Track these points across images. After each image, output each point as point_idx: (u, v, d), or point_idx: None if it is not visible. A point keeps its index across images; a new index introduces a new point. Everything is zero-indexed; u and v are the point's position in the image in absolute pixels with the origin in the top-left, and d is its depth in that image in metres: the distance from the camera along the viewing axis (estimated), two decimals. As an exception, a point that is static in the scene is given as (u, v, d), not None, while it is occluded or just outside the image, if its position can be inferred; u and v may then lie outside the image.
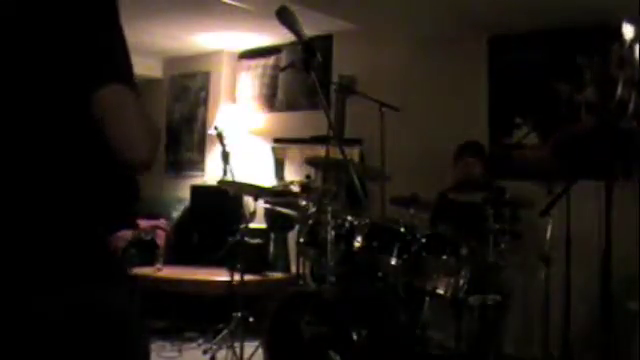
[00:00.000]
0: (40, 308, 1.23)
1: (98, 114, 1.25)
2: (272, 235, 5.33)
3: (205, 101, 6.49)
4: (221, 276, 4.63)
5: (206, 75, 6.48)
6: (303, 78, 5.62)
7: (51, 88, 1.27)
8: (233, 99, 6.35)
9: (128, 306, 1.36)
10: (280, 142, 5.85)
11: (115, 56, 1.30)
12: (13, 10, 1.28)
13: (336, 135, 4.22)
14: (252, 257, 4.75)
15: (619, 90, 3.18)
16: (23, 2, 1.28)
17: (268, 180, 5.67)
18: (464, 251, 3.55)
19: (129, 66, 1.31)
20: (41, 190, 1.27)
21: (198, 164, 6.47)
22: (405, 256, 3.54)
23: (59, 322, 1.24)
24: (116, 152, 1.27)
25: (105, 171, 1.32)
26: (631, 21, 3.20)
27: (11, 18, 1.27)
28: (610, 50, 3.51)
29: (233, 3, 4.66)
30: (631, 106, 3.05)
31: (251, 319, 4.03)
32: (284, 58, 5.93)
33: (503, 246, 3.67)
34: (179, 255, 5.53)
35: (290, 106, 5.90)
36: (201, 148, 6.46)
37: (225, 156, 4.32)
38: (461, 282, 3.51)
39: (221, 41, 6.00)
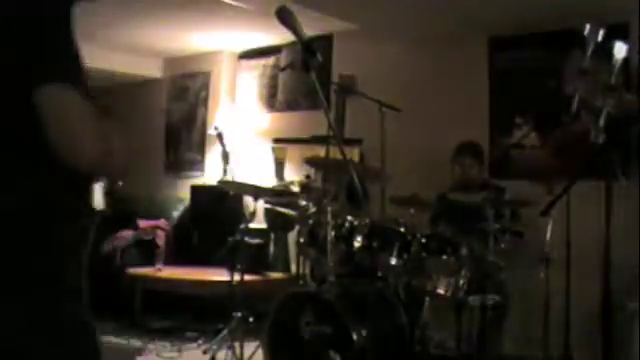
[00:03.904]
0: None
1: (40, 111, 1.28)
2: (272, 235, 5.33)
3: (205, 101, 6.48)
4: (221, 276, 4.63)
5: (206, 75, 6.48)
6: (303, 78, 5.61)
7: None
8: (233, 99, 6.34)
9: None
10: (280, 142, 5.84)
11: (57, 58, 1.34)
12: None
13: (336, 135, 4.22)
14: (252, 257, 4.74)
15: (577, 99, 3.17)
16: None
17: (268, 180, 5.67)
18: (464, 251, 3.55)
19: (69, 68, 1.36)
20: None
21: (198, 164, 6.47)
22: (405, 256, 3.54)
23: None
24: (55, 148, 1.30)
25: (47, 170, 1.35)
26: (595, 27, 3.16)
27: None
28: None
29: (233, 3, 4.66)
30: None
31: (251, 319, 4.03)
32: (284, 58, 5.93)
33: (503, 246, 3.67)
34: (179, 255, 5.53)
35: (290, 106, 5.90)
36: (201, 148, 6.46)
37: (225, 156, 4.33)
38: (461, 282, 3.51)
39: (221, 41, 5.99)
